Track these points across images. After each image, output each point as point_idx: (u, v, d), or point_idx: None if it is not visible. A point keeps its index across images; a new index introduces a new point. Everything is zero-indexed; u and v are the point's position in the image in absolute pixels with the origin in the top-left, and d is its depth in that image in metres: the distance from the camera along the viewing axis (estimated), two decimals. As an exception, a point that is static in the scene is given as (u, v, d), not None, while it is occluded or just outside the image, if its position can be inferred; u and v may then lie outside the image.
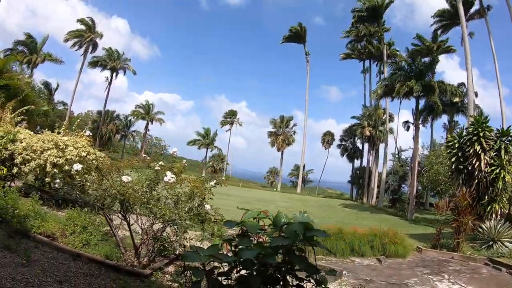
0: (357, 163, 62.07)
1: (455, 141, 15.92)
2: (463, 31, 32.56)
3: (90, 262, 6.19)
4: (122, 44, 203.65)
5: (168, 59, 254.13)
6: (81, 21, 59.57)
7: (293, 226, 2.84)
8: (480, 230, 13.39)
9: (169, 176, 6.67)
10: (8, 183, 10.15)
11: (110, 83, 63.52)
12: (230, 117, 79.62)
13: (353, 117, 57.73)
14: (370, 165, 52.50)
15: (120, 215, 6.91)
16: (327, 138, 69.64)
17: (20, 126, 11.99)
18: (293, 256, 2.85)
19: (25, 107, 13.87)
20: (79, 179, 7.25)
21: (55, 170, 9.71)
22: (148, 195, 6.69)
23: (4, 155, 9.97)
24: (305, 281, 3.06)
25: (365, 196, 51.44)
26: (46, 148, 9.97)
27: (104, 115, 65.44)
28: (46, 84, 58.24)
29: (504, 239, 12.82)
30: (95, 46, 61.09)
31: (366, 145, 55.68)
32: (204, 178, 7.78)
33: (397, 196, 47.12)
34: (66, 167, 9.62)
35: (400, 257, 11.38)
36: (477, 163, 14.61)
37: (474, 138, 15.00)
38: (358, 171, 59.41)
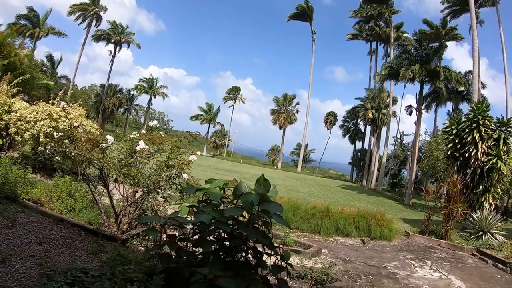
0: (359, 145, 62.42)
1: (453, 127, 15.64)
2: (472, 18, 31.87)
3: (72, 226, 6.45)
4: (127, 18, 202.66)
5: (174, 34, 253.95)
6: (85, -8, 59.14)
7: (249, 196, 3.30)
8: (471, 219, 13.27)
9: (141, 145, 6.93)
10: (4, 153, 10.46)
11: (113, 57, 64.55)
12: (234, 93, 79.29)
13: (357, 98, 57.61)
14: (371, 148, 52.38)
15: (101, 182, 7.15)
16: (330, 119, 69.42)
17: (16, 98, 12.06)
18: (242, 227, 3.39)
19: (20, 78, 13.95)
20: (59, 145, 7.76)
21: (47, 139, 9.70)
22: (124, 162, 6.88)
23: (0, 125, 10.25)
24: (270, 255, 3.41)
25: (365, 179, 51.53)
26: (40, 119, 10.11)
27: (107, 88, 65.70)
28: (50, 57, 58.46)
29: (495, 231, 12.67)
30: (98, 19, 61.37)
31: (369, 128, 55.46)
32: (177, 144, 7.61)
33: (397, 181, 47.27)
34: (56, 136, 9.29)
35: (386, 240, 11.35)
36: (474, 151, 14.34)
37: (473, 125, 14.68)
38: (359, 153, 59.41)
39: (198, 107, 77.52)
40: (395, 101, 50.89)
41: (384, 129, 49.17)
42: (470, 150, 14.47)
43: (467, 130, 14.89)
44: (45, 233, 5.82)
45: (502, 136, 14.52)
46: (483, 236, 12.61)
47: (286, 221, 3.56)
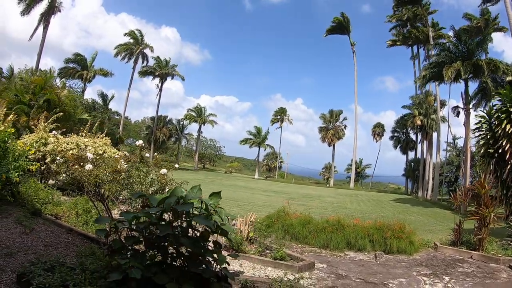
0: (411, 155, 59.38)
1: (483, 121, 14.06)
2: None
3: (78, 235, 7.66)
4: (173, 52, 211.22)
5: (220, 63, 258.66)
6: (129, 34, 62.84)
7: (170, 199, 3.94)
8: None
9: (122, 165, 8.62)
10: (44, 180, 12.28)
11: (160, 90, 68.17)
12: (280, 114, 79.54)
13: (403, 107, 55.11)
14: (424, 157, 49.68)
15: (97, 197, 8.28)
16: (377, 130, 67.36)
17: (54, 132, 13.86)
18: (158, 224, 4.04)
19: (55, 115, 15.83)
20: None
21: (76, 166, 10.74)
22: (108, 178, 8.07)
23: (38, 155, 12.01)
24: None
25: (420, 190, 48.76)
26: (69, 149, 11.73)
27: (157, 120, 68.07)
28: (102, 95, 61.62)
29: None
30: (144, 56, 64.77)
31: (420, 136, 52.83)
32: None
33: (453, 188, 44.16)
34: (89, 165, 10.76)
35: (406, 254, 10.08)
36: (508, 145, 12.72)
37: (502, 116, 13.11)
38: (412, 163, 56.67)
39: (246, 131, 78.22)
40: (443, 104, 48.42)
41: (435, 135, 46.64)
42: (503, 143, 12.83)
43: (496, 123, 13.29)
44: (53, 239, 7.09)
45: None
46: None
47: (231, 226, 4.58)
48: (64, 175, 10.82)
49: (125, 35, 63.92)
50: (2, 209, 8.60)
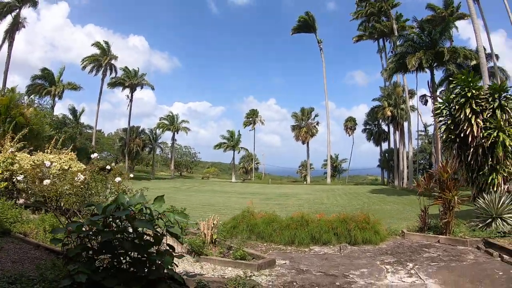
0: (385, 145, 60.14)
1: (443, 107, 14.08)
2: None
3: (45, 250, 7.62)
4: (142, 61, 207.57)
5: (190, 68, 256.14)
6: (96, 45, 62.00)
7: (110, 207, 4.14)
8: (478, 205, 11.55)
9: (81, 177, 8.34)
10: (14, 200, 11.94)
11: (131, 100, 67.39)
12: (252, 116, 79.70)
13: (374, 99, 55.63)
14: (397, 146, 50.26)
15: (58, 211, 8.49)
16: (350, 124, 68.23)
17: (11, 150, 13.90)
18: (104, 232, 4.11)
19: (20, 134, 15.80)
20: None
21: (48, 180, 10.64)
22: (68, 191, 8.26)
23: (6, 175, 12.12)
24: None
25: (396, 179, 49.29)
26: (35, 166, 11.16)
27: (130, 131, 67.37)
28: (73, 110, 60.98)
29: (506, 215, 10.70)
30: (112, 68, 64.43)
31: (392, 127, 53.46)
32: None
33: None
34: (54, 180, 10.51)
35: (372, 244, 9.94)
36: (469, 129, 12.73)
37: (461, 100, 13.14)
38: (386, 154, 57.37)
39: (220, 136, 78.16)
40: (412, 94, 49.10)
41: (406, 125, 47.24)
42: (465, 128, 12.84)
43: (457, 107, 13.31)
44: (21, 255, 7.03)
45: (497, 105, 12.75)
46: (492, 224, 10.67)
47: (179, 230, 4.70)
48: (24, 193, 11.51)
49: (92, 45, 63.34)
50: None
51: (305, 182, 68.11)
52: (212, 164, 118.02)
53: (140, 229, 4.31)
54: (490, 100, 13.07)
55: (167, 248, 4.71)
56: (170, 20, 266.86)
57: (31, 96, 58.04)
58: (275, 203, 27.20)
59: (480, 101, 13.03)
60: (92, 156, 10.44)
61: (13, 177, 11.83)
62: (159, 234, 4.47)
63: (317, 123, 69.84)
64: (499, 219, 10.70)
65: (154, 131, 75.91)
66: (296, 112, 71.57)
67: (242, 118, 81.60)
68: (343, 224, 10.29)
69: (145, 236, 4.45)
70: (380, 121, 55.29)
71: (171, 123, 75.39)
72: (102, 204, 4.46)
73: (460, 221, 11.67)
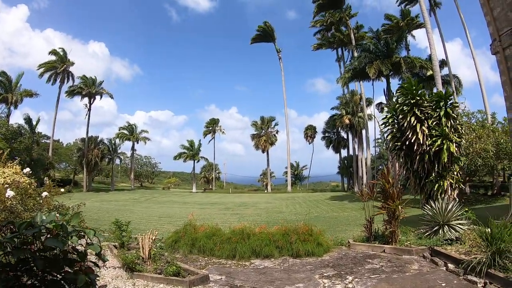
0: (344, 152, 61.09)
1: (389, 115, 14.09)
2: (420, 3, 30.98)
3: None
4: (103, 68, 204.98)
5: (151, 76, 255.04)
6: (53, 52, 60.18)
7: (22, 225, 3.84)
8: (425, 213, 11.48)
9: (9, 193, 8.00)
10: None
11: (89, 109, 66.40)
12: (212, 125, 79.55)
13: (332, 108, 56.64)
14: (356, 153, 51.02)
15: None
16: (309, 132, 68.92)
17: None
18: (16, 250, 3.85)
19: None
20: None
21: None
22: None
23: None
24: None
25: (355, 185, 49.91)
26: None
27: (88, 141, 65.60)
28: (28, 120, 59.16)
29: (454, 221, 10.58)
30: (70, 75, 62.87)
31: (350, 134, 54.27)
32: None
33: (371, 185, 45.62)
34: None
35: (315, 256, 9.63)
36: (414, 137, 12.74)
37: (405, 108, 13.17)
38: (345, 161, 58.22)
39: (180, 145, 77.52)
40: (369, 102, 49.91)
41: (364, 132, 48.05)
42: (409, 136, 12.84)
43: (401, 116, 13.34)
44: None
45: (443, 113, 12.77)
46: (439, 231, 10.53)
47: (98, 246, 4.11)
48: None
49: (49, 53, 61.48)
50: None
51: (266, 191, 68.10)
52: (174, 174, 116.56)
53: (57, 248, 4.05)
54: (435, 107, 13.13)
55: (93, 266, 4.36)
56: (130, 27, 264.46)
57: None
58: (232, 213, 26.92)
59: (424, 109, 13.07)
60: (24, 171, 10.19)
61: None
62: (80, 252, 4.20)
63: (277, 132, 70.40)
64: (446, 226, 10.58)
65: (113, 141, 74.45)
66: (256, 121, 71.94)
67: (204, 126, 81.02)
68: (284, 236, 9.99)
69: (70, 254, 4.21)
70: (339, 128, 56.10)
71: (131, 133, 74.45)
72: (19, 222, 4.12)
73: (408, 228, 11.56)
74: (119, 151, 77.02)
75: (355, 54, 42.01)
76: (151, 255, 8.60)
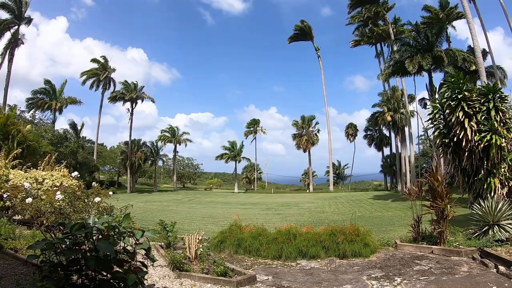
0: (387, 151, 59.63)
1: (436, 111, 13.68)
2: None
3: (33, 266, 7.35)
4: (142, 73, 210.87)
5: (190, 79, 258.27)
6: (94, 60, 62.54)
7: (74, 226, 4.18)
8: (474, 212, 11.09)
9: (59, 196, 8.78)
10: (7, 216, 11.92)
11: (132, 114, 67.90)
12: (253, 126, 79.60)
13: (374, 106, 55.21)
14: (399, 151, 49.80)
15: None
16: (350, 131, 67.74)
17: (16, 168, 14.87)
18: (67, 250, 4.21)
19: (14, 152, 16.58)
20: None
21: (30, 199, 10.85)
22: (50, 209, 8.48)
23: (0, 192, 12.08)
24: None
25: (399, 184, 48.73)
26: (14, 187, 12.05)
27: (131, 144, 67.33)
28: (73, 125, 61.59)
29: (504, 221, 10.20)
30: (110, 81, 66.36)
31: (393, 132, 53.00)
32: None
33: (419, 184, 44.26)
34: (43, 196, 10.74)
35: (362, 257, 9.50)
36: (462, 132, 12.32)
37: (453, 103, 12.75)
38: (388, 159, 56.81)
39: (221, 147, 78.16)
40: (412, 98, 48.68)
41: (407, 129, 46.73)
42: (458, 132, 12.42)
43: (448, 111, 12.91)
44: (9, 271, 7.11)
45: (492, 106, 12.23)
46: (489, 231, 10.19)
47: (147, 244, 4.55)
48: (9, 211, 11.49)
49: (91, 61, 63.85)
50: None
51: (308, 190, 67.65)
52: (215, 175, 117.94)
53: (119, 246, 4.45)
54: (483, 101, 12.66)
55: (140, 266, 4.72)
56: (167, 32, 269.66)
57: (31, 111, 58.58)
58: (275, 213, 26.88)
59: (472, 103, 12.62)
60: (73, 174, 10.77)
61: (4, 194, 11.85)
62: (130, 252, 4.57)
63: (318, 131, 69.60)
64: (496, 226, 10.26)
65: (155, 144, 76.01)
66: (296, 120, 71.41)
67: (244, 127, 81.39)
68: (331, 237, 9.89)
69: (120, 254, 4.52)
70: (381, 126, 54.84)
71: (173, 135, 75.84)
72: (71, 223, 4.44)
73: (456, 228, 11.27)
74: (161, 153, 78.78)
75: (395, 49, 40.95)
76: (198, 255, 8.75)
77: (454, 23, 45.18)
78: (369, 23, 52.07)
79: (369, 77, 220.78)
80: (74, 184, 12.89)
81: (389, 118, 47.42)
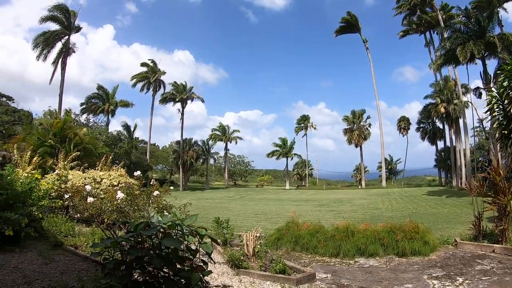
0: (441, 144, 57.47)
1: (494, 102, 13.20)
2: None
3: (93, 262, 7.83)
4: (189, 74, 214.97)
5: (237, 78, 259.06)
6: (144, 64, 64.64)
7: (140, 225, 4.37)
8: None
9: (120, 195, 8.62)
10: (68, 214, 12.73)
11: (182, 114, 69.79)
12: (303, 122, 79.58)
13: (426, 97, 53.20)
14: (453, 144, 48.00)
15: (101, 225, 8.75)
16: (403, 124, 65.79)
17: (74, 169, 15.54)
18: (133, 249, 4.43)
19: (73, 154, 17.39)
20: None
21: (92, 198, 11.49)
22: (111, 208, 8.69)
23: (60, 192, 12.68)
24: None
25: (454, 179, 47.02)
26: (87, 183, 12.41)
27: (183, 144, 69.16)
28: (126, 126, 63.85)
29: None
30: (161, 84, 68.03)
31: (446, 124, 51.09)
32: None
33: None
34: (102, 195, 11.03)
35: (422, 255, 9.36)
36: (523, 123, 11.87)
37: (511, 92, 12.27)
38: (442, 153, 54.79)
39: (272, 144, 78.62)
40: (466, 89, 46.69)
41: (461, 121, 44.91)
42: (517, 123, 11.99)
43: (506, 102, 12.44)
44: (70, 267, 7.47)
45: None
46: None
47: (210, 247, 4.72)
48: (71, 210, 12.00)
49: (141, 65, 66.08)
50: (26, 244, 9.31)
51: (359, 186, 66.71)
52: (266, 172, 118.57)
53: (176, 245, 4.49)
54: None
55: (201, 263, 4.85)
56: (211, 32, 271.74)
57: (85, 115, 61.53)
58: (328, 209, 26.89)
59: (533, 92, 12.11)
60: (135, 173, 10.82)
61: (66, 194, 12.22)
62: (192, 251, 4.69)
63: (369, 125, 68.61)
64: None
65: (206, 142, 77.74)
66: (347, 115, 70.69)
67: (293, 124, 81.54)
68: (390, 234, 9.81)
69: (180, 252, 4.65)
70: (434, 118, 52.94)
71: (223, 133, 77.41)
72: (134, 222, 4.65)
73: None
74: (212, 151, 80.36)
75: (445, 37, 39.26)
76: (255, 252, 8.90)
77: (505, 5, 42.68)
78: (417, 10, 50.51)
79: (418, 68, 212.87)
80: (133, 183, 13.17)
81: (442, 110, 45.74)
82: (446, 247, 10.43)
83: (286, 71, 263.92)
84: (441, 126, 55.21)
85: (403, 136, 66.55)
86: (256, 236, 9.05)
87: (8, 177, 11.66)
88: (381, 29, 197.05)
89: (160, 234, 4.51)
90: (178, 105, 69.30)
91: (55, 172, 14.17)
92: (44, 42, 49.48)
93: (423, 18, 49.34)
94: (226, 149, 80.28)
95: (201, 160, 78.86)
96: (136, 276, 4.73)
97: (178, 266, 4.54)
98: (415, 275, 7.91)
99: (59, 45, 51.19)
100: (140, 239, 4.50)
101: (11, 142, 21.02)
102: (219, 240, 10.61)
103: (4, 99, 72.07)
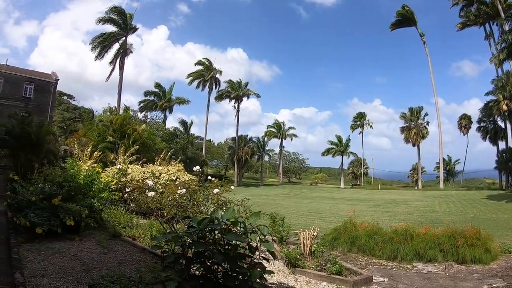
0: (502, 145, 53.93)
1: None
2: None
3: (150, 253, 8.32)
4: (243, 72, 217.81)
5: (290, 75, 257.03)
6: (199, 63, 66.26)
7: (204, 221, 4.47)
8: None
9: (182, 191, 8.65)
10: (127, 206, 13.07)
11: (238, 111, 71.20)
12: (359, 119, 78.72)
13: (487, 93, 50.35)
14: (517, 145, 45.47)
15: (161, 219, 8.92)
16: (464, 122, 62.40)
17: (134, 164, 16.16)
18: (197, 243, 4.52)
19: (132, 149, 18.19)
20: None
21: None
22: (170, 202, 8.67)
23: (120, 185, 13.39)
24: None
25: (517, 183, 44.56)
26: (146, 178, 13.04)
27: (238, 140, 70.48)
28: (183, 122, 66.03)
29: None
30: (216, 81, 68.86)
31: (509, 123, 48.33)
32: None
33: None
34: (161, 190, 11.38)
35: (482, 263, 9.07)
36: None
37: None
38: (504, 154, 51.65)
39: (327, 141, 78.33)
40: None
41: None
42: None
43: None
44: (127, 257, 7.89)
45: None
46: None
47: (271, 245, 4.83)
48: (132, 204, 11.75)
49: (195, 64, 67.84)
50: (86, 234, 9.84)
51: (416, 187, 64.81)
52: (321, 169, 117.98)
53: (233, 242, 4.63)
54: None
55: (260, 261, 4.92)
56: (263, 30, 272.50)
57: (143, 112, 64.02)
58: (383, 210, 26.62)
59: None
60: (194, 169, 10.81)
61: (125, 187, 12.57)
62: (252, 247, 4.76)
63: (427, 123, 66.26)
64: None
65: (261, 139, 78.60)
66: (404, 112, 68.78)
67: (348, 121, 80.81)
68: (450, 239, 9.58)
69: (239, 249, 4.77)
70: (496, 116, 50.25)
71: (278, 130, 78.19)
72: (197, 218, 4.92)
73: None
74: (267, 148, 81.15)
75: (506, 29, 37.23)
76: (312, 251, 9.00)
77: None
78: (474, 1, 48.33)
79: (477, 62, 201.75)
80: (191, 178, 13.60)
81: (504, 107, 43.35)
82: (507, 256, 10.09)
83: (339, 68, 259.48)
84: (503, 125, 52.35)
85: (464, 135, 63.49)
86: (313, 235, 9.17)
87: (71, 170, 12.58)
88: (437, 21, 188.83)
89: (223, 230, 4.59)
90: (233, 102, 70.50)
91: (116, 167, 14.96)
92: (102, 43, 52.03)
93: (481, 9, 47.04)
94: (281, 146, 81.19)
95: (256, 157, 79.96)
96: (193, 270, 4.85)
97: (238, 262, 4.59)
98: (475, 284, 7.79)
99: (116, 46, 53.65)
100: (201, 234, 4.61)
101: (73, 138, 22.44)
102: (275, 238, 10.71)
103: (65, 97, 76.68)
